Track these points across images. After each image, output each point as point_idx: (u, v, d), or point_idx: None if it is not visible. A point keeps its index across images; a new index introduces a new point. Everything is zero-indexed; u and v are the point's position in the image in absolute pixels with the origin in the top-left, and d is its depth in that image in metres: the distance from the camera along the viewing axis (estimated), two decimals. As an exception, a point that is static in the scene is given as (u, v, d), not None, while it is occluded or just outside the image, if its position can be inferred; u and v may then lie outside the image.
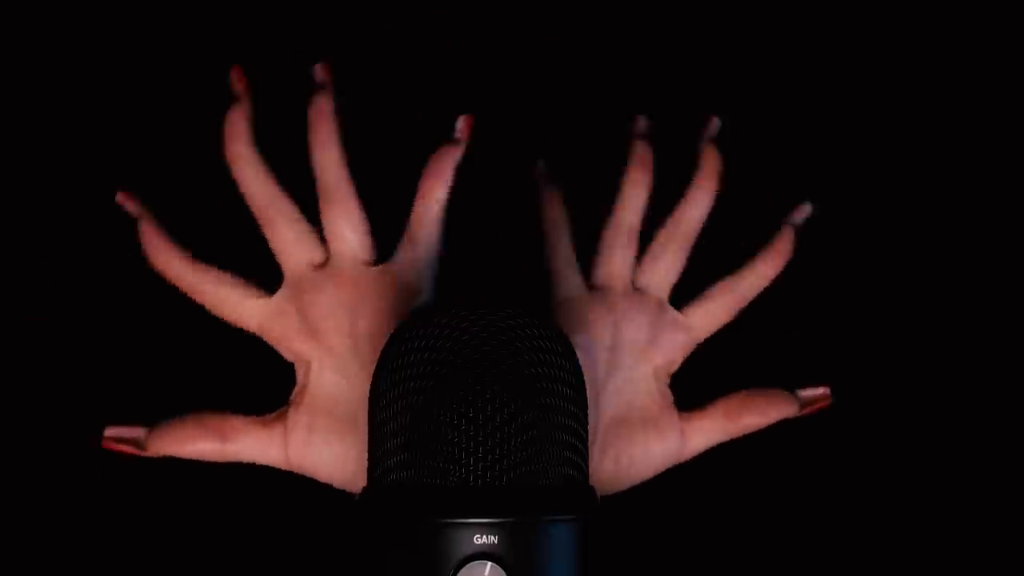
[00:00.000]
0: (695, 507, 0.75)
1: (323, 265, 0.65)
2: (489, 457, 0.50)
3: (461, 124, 0.67)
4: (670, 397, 0.67)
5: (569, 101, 0.78)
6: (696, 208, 0.68)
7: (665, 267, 0.68)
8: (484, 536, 0.50)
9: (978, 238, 0.79)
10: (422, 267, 0.65)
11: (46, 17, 0.75)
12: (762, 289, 0.69)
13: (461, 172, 0.68)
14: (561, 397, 0.52)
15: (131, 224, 0.66)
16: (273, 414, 0.64)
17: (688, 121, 0.72)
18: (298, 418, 0.63)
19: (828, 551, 0.76)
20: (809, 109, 0.78)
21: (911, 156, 0.79)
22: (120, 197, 0.66)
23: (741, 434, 0.68)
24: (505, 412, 0.51)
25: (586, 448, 0.54)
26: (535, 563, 0.50)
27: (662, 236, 0.68)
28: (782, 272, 0.69)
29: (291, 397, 0.64)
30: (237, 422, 0.64)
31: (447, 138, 0.67)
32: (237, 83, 0.66)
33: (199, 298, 0.65)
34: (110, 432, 0.64)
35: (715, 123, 0.70)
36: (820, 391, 0.69)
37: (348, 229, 0.65)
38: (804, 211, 0.71)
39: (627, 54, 0.78)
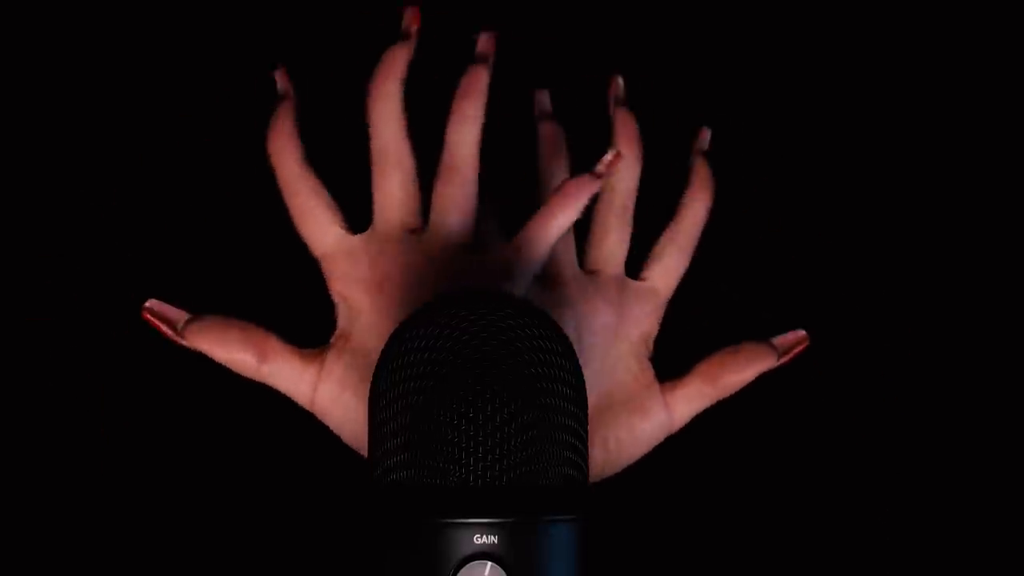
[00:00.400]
0: (695, 507, 0.75)
1: (415, 232, 0.64)
2: (489, 457, 0.50)
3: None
4: (651, 372, 0.67)
5: (570, 101, 0.78)
6: (626, 177, 0.67)
7: (611, 243, 0.67)
8: (484, 536, 0.50)
9: (975, 234, 0.79)
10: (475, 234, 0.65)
11: (46, 17, 0.75)
12: (704, 222, 0.68)
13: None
14: (561, 397, 0.52)
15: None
16: (312, 351, 0.63)
17: (687, 120, 0.72)
18: (334, 367, 0.62)
19: (827, 551, 0.76)
20: (806, 108, 0.78)
21: (906, 154, 0.79)
22: (277, 73, 0.66)
23: (726, 395, 0.66)
24: (505, 412, 0.51)
25: (586, 448, 0.54)
26: (535, 563, 0.50)
27: (600, 213, 0.68)
28: (714, 205, 0.68)
29: (332, 340, 0.64)
30: (278, 345, 0.63)
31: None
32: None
33: (290, 199, 0.64)
34: (152, 304, 0.63)
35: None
36: (796, 335, 0.67)
37: (455, 211, 0.64)
38: (706, 136, 0.70)
39: (631, 53, 0.78)
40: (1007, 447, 0.77)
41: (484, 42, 0.66)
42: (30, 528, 0.73)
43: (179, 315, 0.63)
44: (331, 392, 0.62)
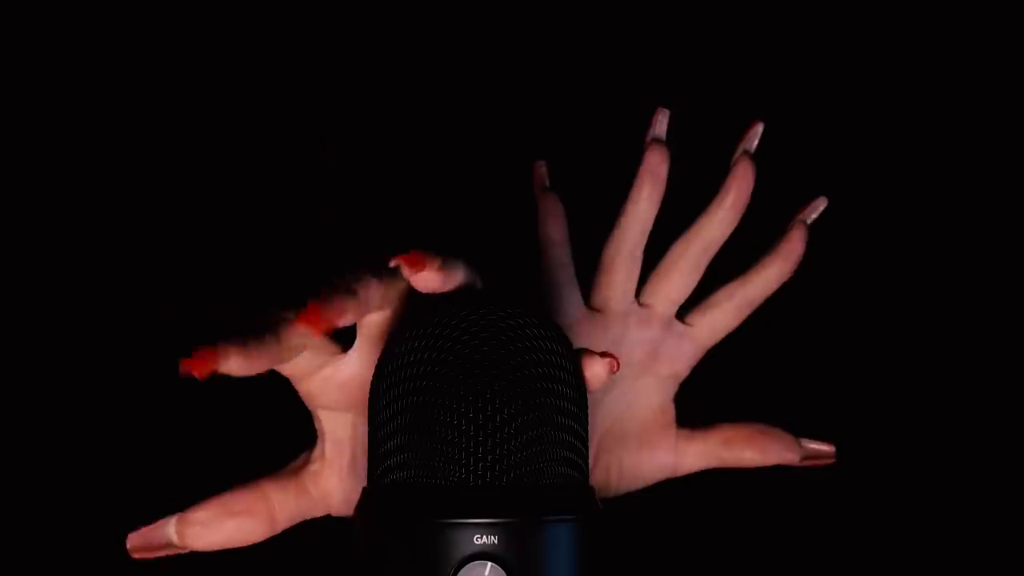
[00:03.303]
0: (695, 507, 0.75)
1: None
2: (489, 457, 0.50)
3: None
4: (671, 413, 0.66)
5: (571, 102, 0.78)
6: (717, 228, 0.64)
7: (674, 287, 0.65)
8: (484, 536, 0.50)
9: (985, 242, 0.79)
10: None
11: (46, 17, 0.75)
12: (771, 293, 0.65)
13: (464, 173, 0.67)
14: (561, 397, 0.52)
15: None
16: (303, 472, 0.59)
17: (702, 120, 0.71)
18: (333, 485, 0.59)
19: (827, 550, 0.76)
20: (821, 109, 0.78)
21: (921, 161, 0.79)
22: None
23: (736, 467, 0.66)
24: (505, 412, 0.51)
25: (586, 448, 0.54)
26: (535, 563, 0.50)
27: (675, 253, 0.65)
28: (794, 274, 0.66)
29: (315, 454, 0.59)
30: (280, 499, 0.58)
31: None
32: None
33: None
34: (134, 542, 0.57)
35: (757, 131, 0.66)
36: (825, 448, 0.66)
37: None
38: (817, 207, 0.66)
39: (636, 53, 0.78)
40: (1007, 447, 0.77)
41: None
42: (30, 528, 0.73)
43: (165, 532, 0.56)
44: (348, 501, 0.59)
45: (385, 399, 0.52)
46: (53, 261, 0.74)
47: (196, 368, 0.48)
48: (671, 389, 0.66)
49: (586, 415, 0.54)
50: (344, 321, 0.51)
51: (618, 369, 0.55)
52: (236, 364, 0.49)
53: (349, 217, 0.75)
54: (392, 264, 0.53)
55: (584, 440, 0.54)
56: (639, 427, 0.65)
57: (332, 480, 0.59)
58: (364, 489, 0.53)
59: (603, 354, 0.55)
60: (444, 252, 0.54)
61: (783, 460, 0.65)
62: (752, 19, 0.78)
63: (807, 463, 0.66)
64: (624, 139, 0.68)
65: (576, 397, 0.53)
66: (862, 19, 0.79)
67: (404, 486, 0.51)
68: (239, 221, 0.75)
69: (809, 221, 0.66)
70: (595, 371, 0.55)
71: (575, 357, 0.54)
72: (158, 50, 0.75)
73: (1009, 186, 0.79)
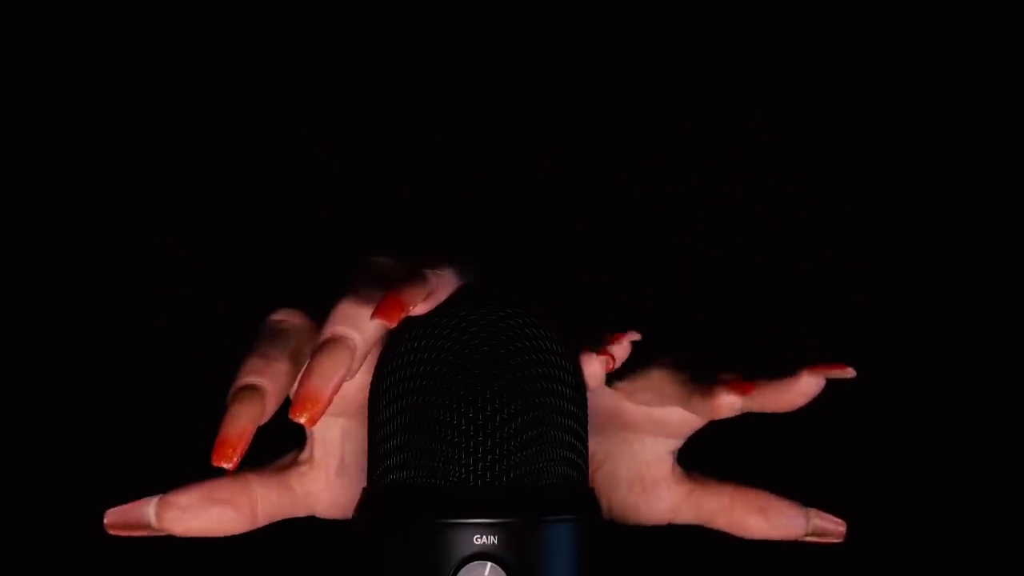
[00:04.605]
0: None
1: None
2: (489, 457, 0.50)
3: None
4: (668, 466, 0.61)
5: (571, 102, 0.78)
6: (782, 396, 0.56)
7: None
8: (484, 536, 0.50)
9: (977, 238, 0.79)
10: None
11: (46, 17, 0.75)
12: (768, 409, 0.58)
13: (471, 173, 0.67)
14: (561, 397, 0.52)
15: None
16: (292, 467, 0.59)
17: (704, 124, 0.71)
18: (321, 487, 0.59)
19: (828, 551, 0.76)
20: (821, 110, 0.78)
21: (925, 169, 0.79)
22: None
23: (734, 533, 0.62)
24: (505, 412, 0.51)
25: (586, 448, 0.54)
26: (535, 563, 0.50)
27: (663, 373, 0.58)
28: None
29: (303, 456, 0.59)
30: (262, 492, 0.57)
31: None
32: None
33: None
34: (112, 518, 0.56)
35: (845, 373, 0.56)
36: (834, 526, 0.62)
37: None
38: (844, 373, 0.57)
39: (637, 52, 0.78)
40: (1008, 448, 0.77)
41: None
42: (30, 528, 0.73)
43: (144, 507, 0.56)
44: (335, 503, 0.58)
45: (385, 399, 0.52)
46: (53, 261, 0.74)
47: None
48: (670, 445, 0.61)
49: (586, 415, 0.54)
50: (420, 310, 0.52)
51: (614, 366, 0.55)
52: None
53: (349, 217, 0.75)
54: (374, 319, 0.51)
55: (584, 440, 0.54)
56: (632, 474, 0.62)
57: (319, 482, 0.58)
58: (364, 489, 0.53)
59: (600, 352, 0.54)
60: (429, 261, 0.54)
61: (786, 535, 0.62)
62: (752, 19, 0.79)
63: (813, 540, 0.62)
64: (624, 139, 0.68)
65: (576, 397, 0.53)
66: (862, 19, 0.79)
67: (404, 486, 0.51)
68: (239, 221, 0.75)
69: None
70: (592, 370, 0.54)
71: (575, 357, 0.54)
72: (158, 50, 0.75)
73: (1010, 189, 0.79)
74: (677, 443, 0.61)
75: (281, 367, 0.52)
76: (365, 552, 0.52)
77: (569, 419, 0.52)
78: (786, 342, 0.76)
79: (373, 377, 0.54)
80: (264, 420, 0.51)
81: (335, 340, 0.51)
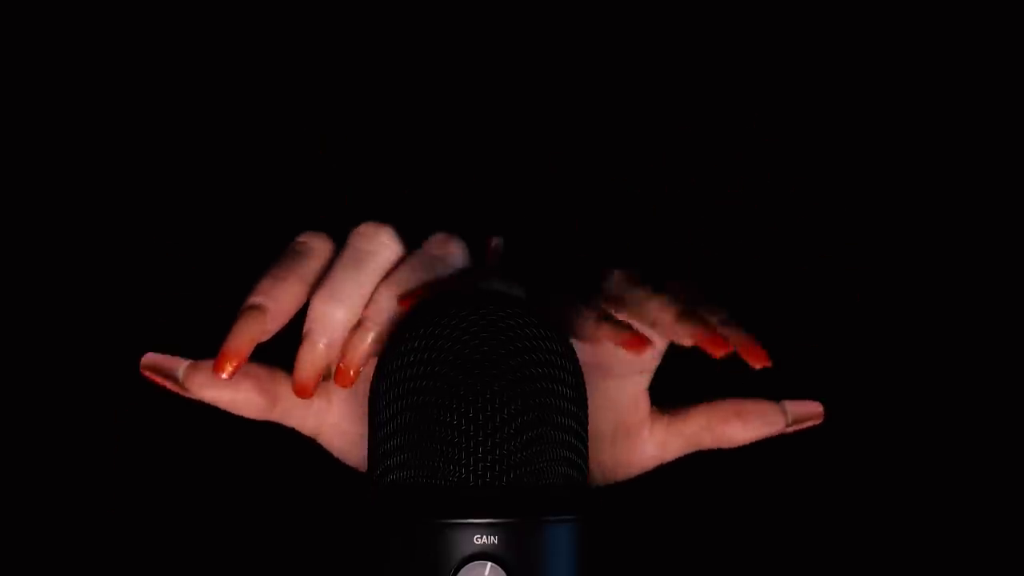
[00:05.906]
0: (694, 507, 0.75)
1: None
2: (489, 457, 0.50)
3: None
4: (646, 405, 0.63)
5: (570, 102, 0.78)
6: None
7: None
8: (484, 536, 0.50)
9: (978, 244, 0.79)
10: None
11: (46, 17, 0.75)
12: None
13: (471, 174, 0.67)
14: (561, 397, 0.52)
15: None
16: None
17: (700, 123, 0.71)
18: (341, 401, 0.61)
19: (826, 550, 0.76)
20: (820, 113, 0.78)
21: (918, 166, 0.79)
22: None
23: (722, 446, 0.63)
24: (505, 412, 0.51)
25: (586, 448, 0.54)
26: (535, 563, 0.50)
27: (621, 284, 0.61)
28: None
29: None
30: (287, 383, 0.59)
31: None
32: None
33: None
34: (148, 360, 0.59)
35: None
36: (812, 408, 0.63)
37: None
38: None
39: (636, 53, 0.78)
40: (1008, 448, 0.77)
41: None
42: (30, 528, 0.73)
43: (177, 364, 0.59)
44: (339, 425, 0.61)
45: (385, 399, 0.52)
46: (53, 261, 0.74)
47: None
48: (641, 383, 0.63)
49: (586, 415, 0.54)
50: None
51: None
52: None
53: (349, 217, 0.75)
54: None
55: (584, 440, 0.54)
56: (613, 426, 0.63)
57: (335, 399, 0.60)
58: (364, 489, 0.53)
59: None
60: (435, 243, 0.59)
61: (769, 431, 0.62)
62: (752, 19, 0.79)
63: (795, 428, 0.62)
64: (624, 139, 0.68)
65: (576, 397, 0.53)
66: (862, 19, 0.79)
67: (404, 486, 0.51)
68: (239, 221, 0.75)
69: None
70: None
71: (575, 357, 0.54)
72: (158, 50, 0.75)
73: (1009, 190, 0.79)
74: (647, 378, 0.62)
75: (289, 287, 0.57)
76: (365, 552, 0.52)
77: (569, 419, 0.52)
78: (786, 342, 0.76)
79: (373, 377, 0.54)
80: (265, 337, 0.57)
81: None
